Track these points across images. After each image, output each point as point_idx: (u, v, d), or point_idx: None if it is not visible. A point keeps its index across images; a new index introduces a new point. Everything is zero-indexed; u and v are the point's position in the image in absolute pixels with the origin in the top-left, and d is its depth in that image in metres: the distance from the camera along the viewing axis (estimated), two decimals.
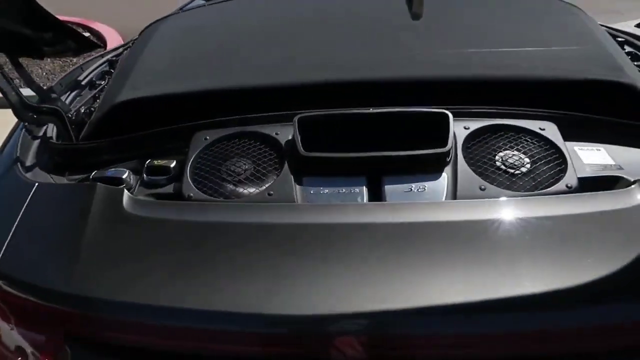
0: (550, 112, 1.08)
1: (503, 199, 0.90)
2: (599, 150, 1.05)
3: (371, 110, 1.05)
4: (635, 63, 1.41)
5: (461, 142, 1.01)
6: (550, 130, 1.04)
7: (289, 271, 0.81)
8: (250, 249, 0.85)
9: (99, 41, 4.18)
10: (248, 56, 1.30)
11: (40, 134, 1.20)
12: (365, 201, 0.94)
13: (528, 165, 0.98)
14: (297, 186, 0.96)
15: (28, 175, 1.05)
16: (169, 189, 1.02)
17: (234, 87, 1.18)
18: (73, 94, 1.40)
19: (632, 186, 0.91)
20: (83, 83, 1.45)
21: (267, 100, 1.13)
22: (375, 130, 1.04)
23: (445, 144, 0.98)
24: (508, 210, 0.88)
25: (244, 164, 1.01)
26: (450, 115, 1.02)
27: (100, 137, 1.14)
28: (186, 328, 0.80)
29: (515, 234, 0.84)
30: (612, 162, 1.01)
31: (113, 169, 1.07)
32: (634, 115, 1.10)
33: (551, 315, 0.78)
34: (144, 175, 1.04)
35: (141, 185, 1.04)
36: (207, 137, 1.06)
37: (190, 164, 1.01)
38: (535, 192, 0.93)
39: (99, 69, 1.56)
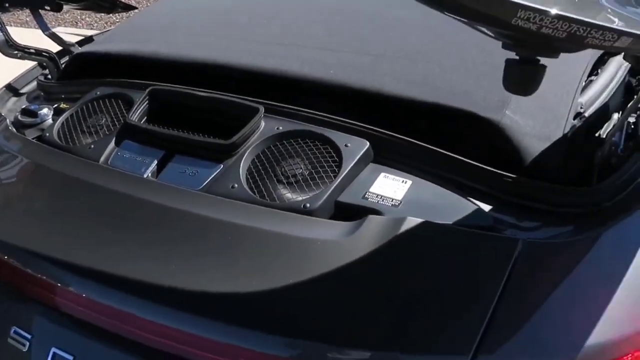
0: (379, 131, 0.98)
1: (228, 200, 0.91)
2: (405, 182, 0.93)
3: (200, 93, 1.11)
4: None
5: (261, 140, 1.01)
6: (354, 148, 0.96)
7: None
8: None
9: None
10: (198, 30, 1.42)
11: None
12: (147, 172, 1.03)
13: (295, 178, 0.94)
14: (112, 146, 1.10)
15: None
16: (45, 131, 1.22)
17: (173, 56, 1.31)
18: None
19: (355, 221, 0.82)
20: None
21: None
22: (200, 111, 1.10)
23: (232, 137, 1.00)
24: (218, 210, 0.89)
25: (101, 119, 1.18)
26: (261, 110, 1.02)
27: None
28: None
29: (184, 227, 0.86)
30: (398, 197, 0.90)
31: (37, 104, 1.33)
32: (507, 160, 0.92)
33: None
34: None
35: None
36: (98, 92, 1.26)
37: (69, 112, 1.22)
38: (274, 203, 0.90)
39: None
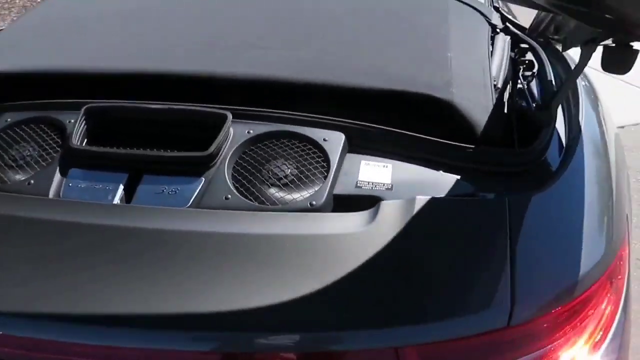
0: (348, 122, 1.03)
1: (229, 212, 0.89)
2: (386, 166, 1.00)
3: (155, 105, 1.04)
4: (526, 73, 1.32)
5: (236, 147, 0.99)
6: (333, 142, 1.00)
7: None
8: None
9: None
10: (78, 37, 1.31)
11: None
12: (115, 200, 0.95)
13: (288, 178, 0.95)
14: (58, 178, 0.97)
15: None
16: None
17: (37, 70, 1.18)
18: None
19: (368, 210, 0.87)
20: None
21: (72, 87, 1.14)
22: (156, 126, 1.03)
23: (208, 147, 0.96)
24: (224, 224, 0.87)
25: (28, 150, 1.03)
26: (229, 117, 1.00)
27: None
28: None
29: (215, 248, 0.83)
30: (387, 181, 0.97)
31: None
32: (462, 135, 1.03)
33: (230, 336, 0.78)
34: None
35: None
36: (8, 120, 1.09)
37: None
38: (276, 207, 0.91)
39: None
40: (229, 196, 0.92)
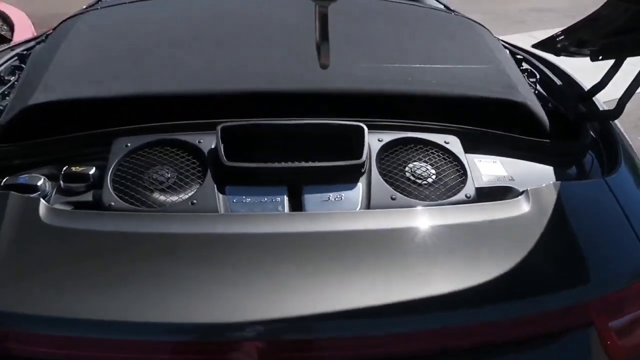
0: (454, 126, 1.19)
1: (411, 208, 0.99)
2: (495, 162, 1.17)
3: (292, 121, 1.10)
4: (531, 80, 1.57)
5: (375, 154, 1.09)
6: (454, 144, 1.14)
7: (207, 281, 0.86)
8: (171, 260, 0.88)
9: (5, 24, 3.91)
10: (171, 59, 1.31)
11: None
12: (286, 210, 0.99)
13: (434, 177, 1.08)
14: (220, 195, 0.99)
15: None
16: (88, 197, 1.02)
17: (155, 93, 1.18)
18: None
19: (520, 197, 1.04)
20: None
21: (189, 108, 1.15)
22: (295, 140, 1.09)
23: (360, 155, 1.05)
24: (416, 219, 0.97)
25: (167, 172, 1.03)
26: (366, 128, 1.10)
27: (11, 141, 1.11)
28: (104, 340, 0.82)
29: (422, 240, 0.94)
30: (505, 173, 1.14)
31: (26, 175, 1.04)
32: (525, 131, 1.23)
33: (460, 313, 0.88)
34: (61, 182, 1.03)
35: (58, 193, 1.03)
36: (129, 144, 1.07)
37: (110, 171, 1.02)
38: (439, 201, 1.03)
39: (8, 63, 1.50)
40: (394, 196, 1.02)
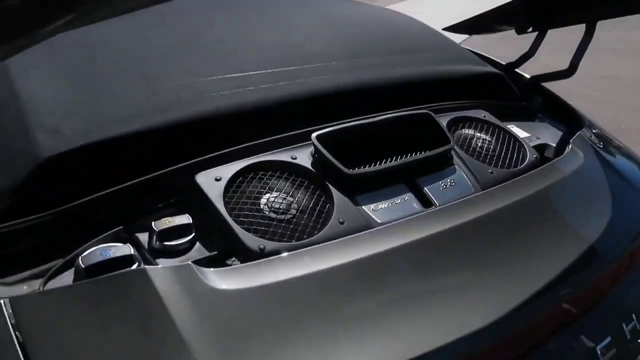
0: (475, 102, 1.27)
1: (520, 178, 1.04)
2: (513, 127, 1.30)
3: (369, 119, 1.04)
4: None
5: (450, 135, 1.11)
6: (489, 116, 1.23)
7: (431, 291, 0.78)
8: (386, 282, 0.77)
9: None
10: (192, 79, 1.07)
11: None
12: (421, 207, 0.95)
13: (498, 147, 1.14)
14: (358, 208, 0.89)
15: None
16: (200, 251, 0.80)
17: (207, 115, 0.97)
18: None
19: (570, 146, 1.18)
20: None
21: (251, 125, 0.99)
22: (376, 137, 1.03)
23: (447, 139, 1.05)
24: (534, 185, 1.03)
25: (282, 198, 0.87)
26: (432, 114, 1.10)
27: (37, 209, 0.79)
28: None
29: (554, 202, 1.00)
30: (528, 134, 1.28)
31: (100, 249, 0.76)
32: (499, 99, 1.38)
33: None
34: (155, 242, 0.79)
35: (152, 255, 0.79)
36: (219, 177, 0.87)
37: (225, 211, 0.82)
38: (521, 167, 1.11)
39: None
40: (491, 171, 1.06)
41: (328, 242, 0.81)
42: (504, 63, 1.62)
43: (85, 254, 0.75)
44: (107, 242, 0.79)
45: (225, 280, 0.71)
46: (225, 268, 0.76)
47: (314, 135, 0.95)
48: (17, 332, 0.63)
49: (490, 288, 0.82)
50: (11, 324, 0.63)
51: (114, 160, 0.88)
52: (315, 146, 0.94)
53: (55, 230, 0.79)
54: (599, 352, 0.86)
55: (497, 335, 0.77)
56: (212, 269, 0.74)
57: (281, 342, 0.67)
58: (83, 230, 0.80)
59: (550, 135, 1.28)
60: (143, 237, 0.82)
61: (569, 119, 1.41)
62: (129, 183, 0.84)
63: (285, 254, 0.78)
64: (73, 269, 0.75)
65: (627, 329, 0.91)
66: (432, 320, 0.76)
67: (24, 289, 0.74)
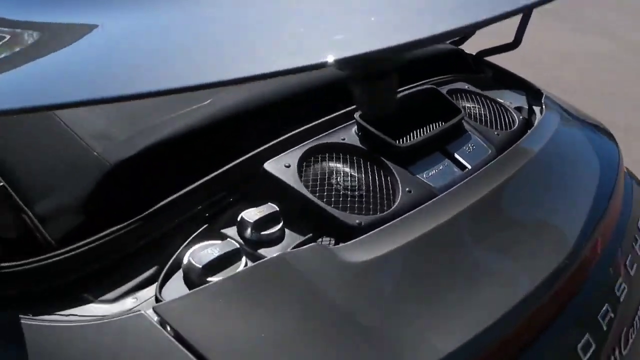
0: (444, 77, 1.37)
1: (528, 135, 1.16)
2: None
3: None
4: None
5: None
6: (473, 88, 1.35)
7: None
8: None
9: None
10: None
11: None
12: (460, 171, 1.02)
13: (492, 113, 1.26)
14: (416, 177, 0.95)
15: None
16: (291, 237, 0.81)
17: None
18: None
19: (544, 106, 1.33)
20: None
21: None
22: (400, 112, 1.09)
23: (458, 110, 1.14)
24: (540, 140, 1.15)
25: (349, 176, 0.90)
26: (442, 90, 1.19)
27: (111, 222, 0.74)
28: None
29: (559, 153, 1.14)
30: (502, 100, 1.42)
31: (205, 247, 0.73)
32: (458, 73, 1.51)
33: None
34: (252, 233, 0.78)
35: (252, 247, 0.78)
36: (288, 164, 0.87)
37: (310, 195, 0.83)
38: (515, 129, 1.23)
39: None
40: (497, 133, 1.17)
41: (416, 209, 0.85)
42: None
43: (191, 254, 0.72)
44: (197, 242, 0.76)
45: (356, 254, 0.73)
46: (347, 243, 0.77)
47: (357, 114, 0.98)
48: (179, 337, 0.59)
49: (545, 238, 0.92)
50: (168, 332, 0.59)
51: (178, 160, 0.84)
52: (361, 125, 0.97)
53: (141, 237, 0.74)
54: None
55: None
56: (339, 245, 0.75)
57: (421, 298, 0.71)
58: (169, 234, 0.76)
59: (519, 101, 1.43)
60: (230, 232, 0.80)
61: (523, 89, 1.59)
62: (202, 181, 0.81)
63: (394, 222, 0.81)
64: (180, 271, 0.72)
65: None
66: (514, 269, 0.84)
67: (133, 301, 0.69)
